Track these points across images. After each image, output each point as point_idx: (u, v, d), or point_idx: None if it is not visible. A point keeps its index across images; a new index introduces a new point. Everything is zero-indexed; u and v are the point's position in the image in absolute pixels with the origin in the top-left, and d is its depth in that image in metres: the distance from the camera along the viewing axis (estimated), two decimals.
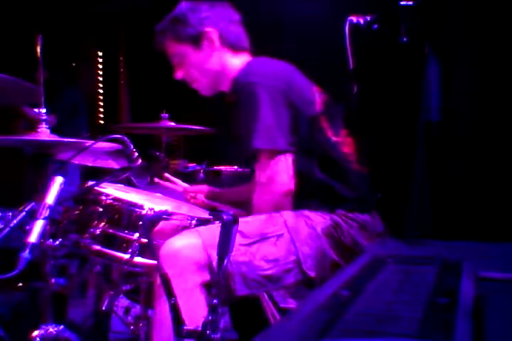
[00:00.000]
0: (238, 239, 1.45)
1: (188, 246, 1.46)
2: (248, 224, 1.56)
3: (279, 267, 1.52)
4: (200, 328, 1.02)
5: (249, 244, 1.51)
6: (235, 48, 1.78)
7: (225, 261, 1.03)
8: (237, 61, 1.77)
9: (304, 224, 1.59)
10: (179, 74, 1.81)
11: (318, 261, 1.57)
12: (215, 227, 1.53)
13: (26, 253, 1.32)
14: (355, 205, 1.64)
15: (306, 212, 1.62)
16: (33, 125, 1.70)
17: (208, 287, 1.44)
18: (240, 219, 1.07)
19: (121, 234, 1.67)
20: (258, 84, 1.58)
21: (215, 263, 1.40)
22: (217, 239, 1.05)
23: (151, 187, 2.19)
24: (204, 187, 2.12)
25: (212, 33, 1.73)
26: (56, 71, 3.10)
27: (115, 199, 1.74)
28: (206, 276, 1.45)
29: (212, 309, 1.01)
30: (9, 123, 3.54)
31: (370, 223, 1.64)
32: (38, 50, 1.71)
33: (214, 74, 1.78)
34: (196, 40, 1.74)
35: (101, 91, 5.34)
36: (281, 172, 1.56)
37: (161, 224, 1.69)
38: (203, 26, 1.73)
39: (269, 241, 1.54)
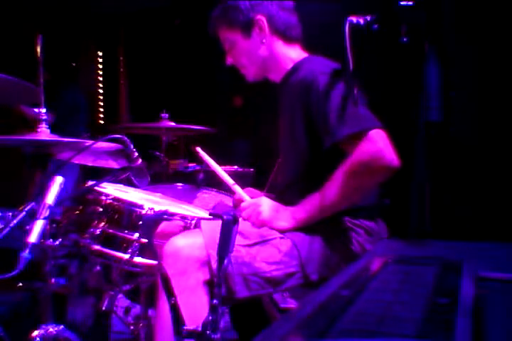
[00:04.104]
0: (239, 240, 1.44)
1: (191, 244, 1.45)
2: (249, 225, 1.55)
3: (281, 270, 1.51)
4: (200, 328, 1.02)
5: (250, 245, 1.49)
6: (286, 37, 1.75)
7: (225, 261, 1.03)
8: (291, 52, 1.76)
9: (306, 230, 1.57)
10: (229, 60, 1.81)
11: (322, 266, 1.55)
12: (217, 226, 1.52)
13: (26, 253, 1.32)
14: (361, 213, 1.62)
15: None
16: (32, 124, 1.70)
17: (210, 285, 1.43)
18: (241, 220, 1.06)
19: (121, 234, 1.67)
20: (329, 74, 1.54)
21: (213, 263, 1.40)
22: (218, 239, 1.04)
23: (151, 187, 2.19)
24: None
25: (261, 21, 1.71)
26: (56, 71, 3.09)
27: (115, 199, 1.74)
28: (208, 274, 1.44)
29: (212, 309, 1.01)
30: (9, 123, 3.53)
31: (375, 229, 1.63)
32: (38, 50, 1.71)
33: (262, 61, 1.76)
34: (246, 27, 1.72)
35: (101, 91, 5.34)
36: (385, 147, 1.44)
37: (161, 224, 1.69)
38: (254, 13, 1.71)
39: (271, 243, 1.52)
